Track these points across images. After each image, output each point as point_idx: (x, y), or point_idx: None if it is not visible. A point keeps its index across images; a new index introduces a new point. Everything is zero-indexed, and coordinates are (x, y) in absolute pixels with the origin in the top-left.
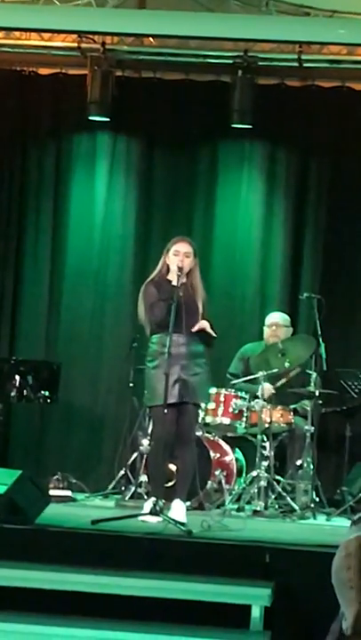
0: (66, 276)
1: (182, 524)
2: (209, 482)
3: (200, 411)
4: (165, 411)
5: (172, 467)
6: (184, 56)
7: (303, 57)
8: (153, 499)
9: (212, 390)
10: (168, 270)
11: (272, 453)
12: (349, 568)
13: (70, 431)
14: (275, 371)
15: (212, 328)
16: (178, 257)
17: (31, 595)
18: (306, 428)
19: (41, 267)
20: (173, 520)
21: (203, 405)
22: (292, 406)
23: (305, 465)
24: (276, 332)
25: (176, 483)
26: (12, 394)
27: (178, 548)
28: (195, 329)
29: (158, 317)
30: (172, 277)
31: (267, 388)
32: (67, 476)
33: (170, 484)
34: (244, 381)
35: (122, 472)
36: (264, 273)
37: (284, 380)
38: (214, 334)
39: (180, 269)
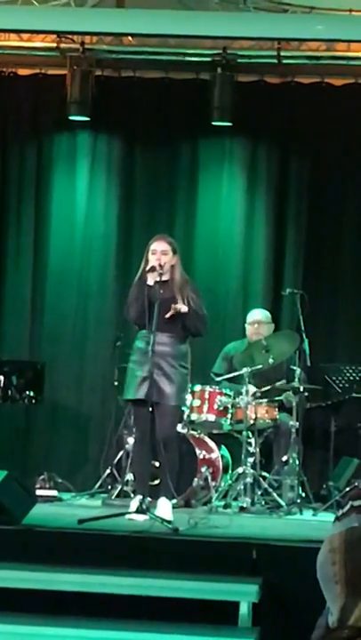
0: (48, 276)
1: (169, 521)
2: (195, 479)
3: (184, 408)
4: (149, 408)
5: (157, 464)
6: (163, 54)
7: (282, 53)
8: (139, 497)
9: (197, 387)
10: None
11: (258, 450)
12: (334, 563)
13: (56, 431)
14: (259, 367)
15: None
16: (155, 255)
17: (19, 595)
18: (291, 423)
19: (23, 267)
20: (160, 518)
21: (188, 403)
22: (277, 398)
23: (291, 460)
24: (258, 329)
25: (160, 481)
26: None
27: (165, 546)
28: (167, 315)
29: (133, 317)
30: (150, 277)
31: (252, 391)
32: (53, 476)
33: (156, 482)
34: (230, 380)
35: (108, 471)
36: (247, 269)
37: (268, 387)
38: (185, 309)
39: (153, 270)
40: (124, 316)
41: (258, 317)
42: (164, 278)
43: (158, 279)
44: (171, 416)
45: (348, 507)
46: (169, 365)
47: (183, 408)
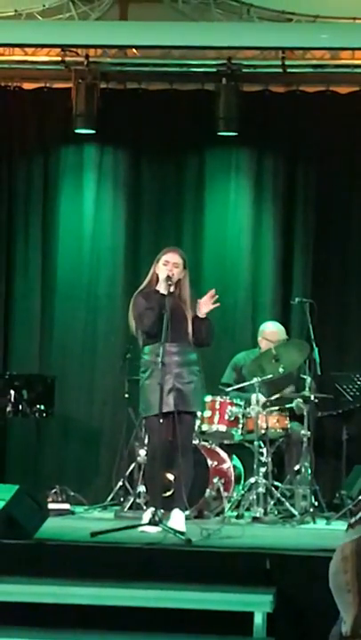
0: (57, 290)
1: (182, 533)
2: (207, 490)
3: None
4: (160, 420)
5: (170, 476)
6: (168, 66)
7: (287, 62)
8: (152, 509)
9: (208, 398)
10: (158, 280)
11: (269, 459)
12: (346, 572)
13: (67, 444)
14: (269, 377)
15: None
16: (167, 267)
17: (32, 609)
18: (302, 432)
19: (32, 281)
20: (173, 529)
21: (199, 414)
22: (287, 406)
23: (303, 470)
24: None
25: (174, 492)
26: (8, 409)
27: (178, 558)
28: (201, 312)
29: (147, 326)
30: (161, 287)
31: (262, 401)
32: (65, 489)
33: (168, 493)
34: (239, 390)
35: (120, 483)
36: (255, 279)
37: (277, 395)
38: (212, 306)
39: (169, 279)
40: (132, 325)
41: (282, 336)
42: (172, 290)
43: (167, 290)
44: (191, 423)
45: (360, 515)
46: (189, 373)
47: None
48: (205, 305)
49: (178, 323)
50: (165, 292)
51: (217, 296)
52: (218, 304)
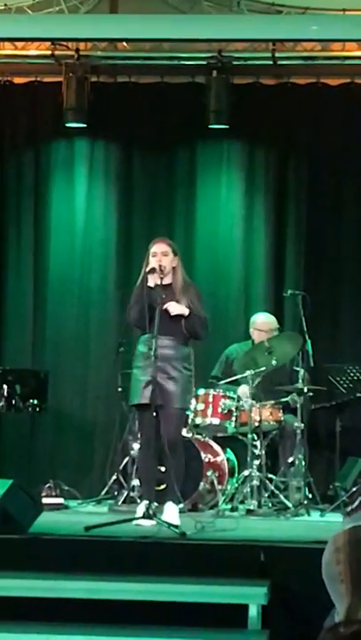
0: (49, 284)
1: (176, 526)
2: (201, 483)
3: (188, 412)
4: (151, 412)
5: (162, 468)
6: (158, 59)
7: (277, 55)
8: (146, 502)
9: (201, 391)
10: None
11: (263, 452)
12: (339, 562)
13: (61, 438)
14: (262, 369)
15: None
16: (156, 257)
17: (27, 603)
18: (296, 424)
19: (24, 275)
20: (167, 523)
21: (192, 407)
22: (283, 399)
23: (297, 462)
24: (268, 335)
25: (166, 486)
26: (1, 404)
27: (172, 551)
28: (170, 309)
29: (134, 319)
30: (151, 279)
31: (243, 390)
32: (59, 484)
33: (162, 487)
34: (230, 382)
35: (114, 477)
36: (247, 272)
37: (258, 379)
38: (180, 311)
39: (153, 271)
40: (126, 318)
41: (273, 325)
42: (166, 281)
43: (159, 282)
44: (176, 419)
45: (357, 502)
46: (172, 368)
47: (187, 412)
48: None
49: (171, 315)
50: (152, 285)
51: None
52: (185, 310)
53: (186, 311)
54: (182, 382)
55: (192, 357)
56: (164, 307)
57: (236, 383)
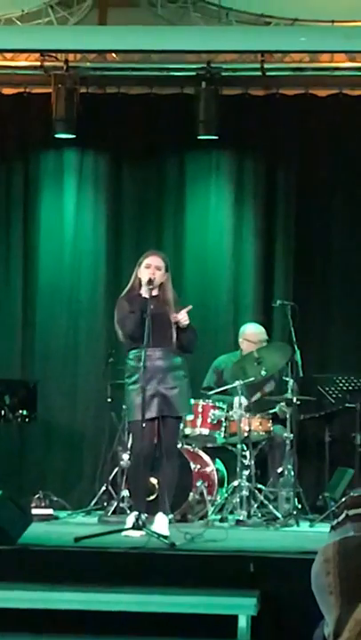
0: (39, 294)
1: (165, 536)
2: (191, 493)
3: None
4: (143, 425)
5: (154, 480)
6: (147, 70)
7: (266, 66)
8: (135, 513)
9: (191, 401)
10: (140, 284)
11: (253, 462)
12: (328, 573)
13: (50, 449)
14: (251, 379)
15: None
16: (149, 270)
17: (17, 614)
18: (285, 435)
19: (13, 286)
20: (156, 533)
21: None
22: (271, 411)
23: (286, 472)
24: (259, 346)
25: (158, 496)
26: None
27: (162, 562)
28: (176, 319)
29: (129, 330)
30: (144, 290)
31: (243, 403)
32: (48, 495)
33: (152, 497)
34: (221, 393)
35: (103, 488)
36: (236, 282)
37: (259, 395)
38: (187, 322)
39: (150, 282)
40: (117, 329)
41: (262, 336)
42: (154, 293)
43: (149, 294)
44: (176, 427)
45: (343, 516)
46: (172, 378)
47: None
48: (180, 322)
49: (161, 327)
50: (147, 296)
51: (190, 308)
52: (188, 322)
53: (187, 321)
54: (184, 390)
55: (186, 365)
56: (174, 318)
57: (229, 393)
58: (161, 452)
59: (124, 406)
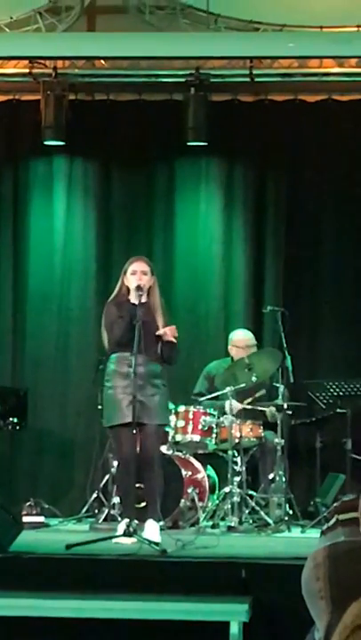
0: (29, 302)
1: (156, 543)
2: (182, 500)
3: (169, 429)
4: (135, 431)
5: (141, 486)
6: (136, 77)
7: (255, 72)
8: (126, 520)
9: (181, 408)
10: (128, 291)
11: (244, 468)
12: (318, 578)
13: (41, 456)
14: (242, 386)
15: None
16: (135, 276)
17: (8, 622)
18: (276, 441)
19: (3, 293)
20: (147, 540)
21: (172, 423)
22: (260, 409)
23: (277, 478)
24: (246, 351)
25: (146, 503)
26: None
27: (153, 568)
28: (159, 332)
29: (117, 335)
30: (132, 297)
31: (235, 407)
32: (39, 502)
33: (142, 504)
34: (212, 399)
35: (94, 495)
36: (227, 288)
37: (250, 400)
38: (174, 340)
39: (140, 288)
40: (104, 334)
41: (250, 342)
42: (143, 300)
43: (139, 300)
44: (156, 435)
45: (333, 520)
46: (151, 386)
47: (167, 429)
48: (165, 336)
49: (148, 334)
50: (137, 302)
51: (176, 334)
52: (174, 340)
53: (173, 338)
54: (162, 399)
55: (165, 375)
56: (160, 333)
57: (220, 399)
58: (142, 461)
59: (103, 411)
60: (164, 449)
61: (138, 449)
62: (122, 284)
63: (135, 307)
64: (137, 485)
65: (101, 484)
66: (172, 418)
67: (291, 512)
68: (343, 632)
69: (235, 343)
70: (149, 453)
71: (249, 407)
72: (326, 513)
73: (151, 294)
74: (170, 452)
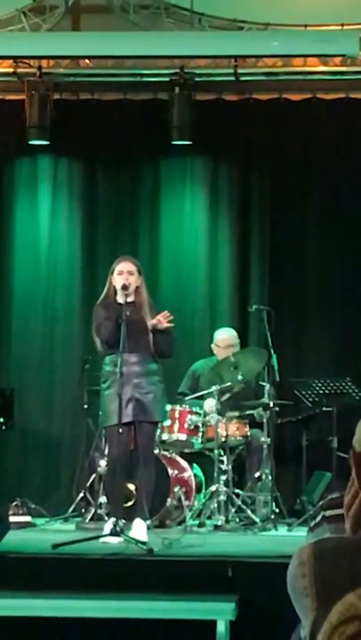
0: (14, 302)
1: (143, 542)
2: (168, 499)
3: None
4: (120, 430)
5: (131, 486)
6: (121, 76)
7: (239, 71)
8: (113, 519)
9: (167, 407)
10: (115, 291)
11: (230, 467)
12: (304, 576)
13: (27, 456)
14: (228, 384)
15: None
16: (122, 276)
17: None
18: (262, 439)
19: None
20: (134, 539)
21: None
22: (248, 412)
23: (263, 477)
24: (229, 351)
25: (136, 502)
26: None
27: (140, 567)
28: (151, 323)
29: (105, 337)
30: (119, 297)
31: (209, 404)
32: (26, 502)
33: (129, 503)
34: (197, 397)
35: (81, 494)
36: (212, 287)
37: (228, 395)
38: (170, 325)
39: (125, 288)
40: (93, 336)
41: (231, 341)
42: (130, 299)
43: (125, 300)
44: (152, 433)
45: (320, 517)
46: (148, 383)
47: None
48: (159, 322)
49: (138, 332)
50: (123, 302)
51: (171, 317)
52: (171, 324)
53: (167, 324)
54: (159, 395)
55: (161, 371)
56: (151, 323)
57: (203, 399)
58: (138, 459)
59: (100, 412)
60: None
61: (132, 447)
62: (110, 285)
63: (122, 307)
64: (130, 486)
65: (88, 484)
66: None
67: (277, 510)
68: (329, 630)
69: (216, 342)
70: (146, 451)
71: (234, 407)
72: (313, 510)
73: (138, 293)
74: (156, 451)
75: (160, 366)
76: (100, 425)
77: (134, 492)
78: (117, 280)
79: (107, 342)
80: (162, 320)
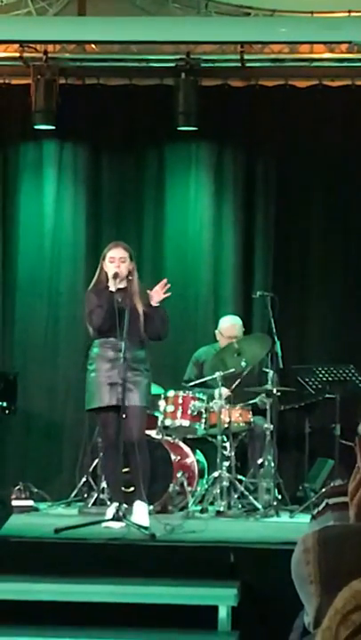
0: (18, 286)
1: (145, 527)
2: (171, 485)
3: (158, 414)
4: (124, 415)
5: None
6: (127, 61)
7: (245, 57)
8: (115, 504)
9: (170, 393)
10: (107, 277)
11: (233, 453)
12: (308, 563)
13: (30, 440)
14: (231, 371)
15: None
16: (114, 263)
17: None
18: (265, 426)
19: None
20: (136, 524)
21: (162, 408)
22: (251, 401)
23: (266, 463)
24: (233, 339)
25: (134, 486)
26: None
27: (142, 553)
28: (154, 301)
29: (96, 324)
30: (111, 284)
31: (224, 393)
32: (28, 486)
33: (131, 489)
34: (201, 385)
35: (83, 479)
36: (216, 274)
37: (238, 381)
38: (167, 295)
39: (116, 275)
40: (87, 323)
41: (235, 333)
42: (122, 285)
43: (115, 287)
44: (140, 418)
45: (323, 505)
46: (133, 370)
47: (156, 413)
48: (157, 294)
49: (129, 319)
50: (114, 289)
51: (168, 285)
52: (169, 293)
53: (162, 297)
54: (145, 382)
55: (149, 359)
56: (152, 293)
57: (208, 385)
58: (127, 443)
59: (87, 395)
60: (153, 433)
61: (121, 431)
62: (101, 270)
63: (113, 294)
64: (124, 470)
65: (90, 468)
66: (162, 403)
67: (280, 497)
68: (334, 617)
69: (222, 331)
70: (135, 435)
71: (238, 394)
72: (315, 498)
73: (130, 279)
74: (159, 437)
75: (148, 355)
76: (86, 407)
77: (129, 475)
78: (109, 267)
79: (99, 329)
80: (159, 291)
